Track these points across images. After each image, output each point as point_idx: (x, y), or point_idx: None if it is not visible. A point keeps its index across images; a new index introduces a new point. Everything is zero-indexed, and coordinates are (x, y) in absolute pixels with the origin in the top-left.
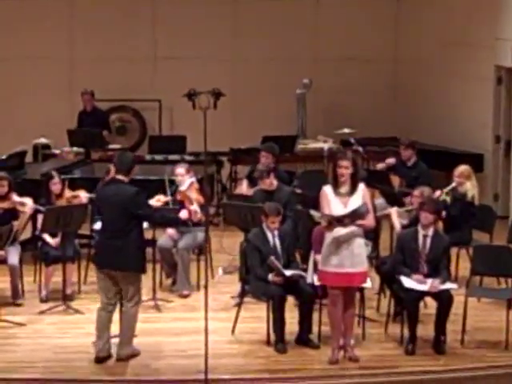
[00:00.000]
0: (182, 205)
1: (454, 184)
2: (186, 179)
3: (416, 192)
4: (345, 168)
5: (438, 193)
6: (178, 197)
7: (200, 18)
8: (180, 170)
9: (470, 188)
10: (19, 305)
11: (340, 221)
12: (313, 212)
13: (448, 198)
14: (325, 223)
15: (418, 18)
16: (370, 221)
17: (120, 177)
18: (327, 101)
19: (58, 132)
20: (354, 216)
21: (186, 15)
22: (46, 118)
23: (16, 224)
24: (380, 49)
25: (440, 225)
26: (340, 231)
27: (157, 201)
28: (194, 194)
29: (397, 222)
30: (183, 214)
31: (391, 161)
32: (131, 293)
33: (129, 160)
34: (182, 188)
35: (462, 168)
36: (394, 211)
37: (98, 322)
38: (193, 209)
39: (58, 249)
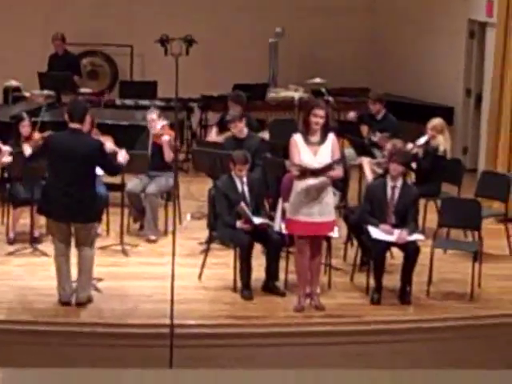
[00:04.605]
0: (157, 148)
1: (426, 137)
2: (157, 124)
3: (388, 145)
4: (320, 117)
5: (410, 145)
6: (152, 139)
7: None
8: (152, 115)
9: (442, 142)
10: None
11: (314, 173)
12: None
13: (420, 151)
14: (297, 172)
15: None
16: (338, 171)
17: (76, 125)
18: (301, 50)
19: (29, 74)
20: (328, 169)
21: None
22: (17, 60)
23: None
24: None
25: (412, 177)
26: (310, 181)
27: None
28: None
29: (369, 172)
30: (121, 158)
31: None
32: (88, 238)
33: (82, 107)
34: (155, 130)
35: (436, 121)
36: (366, 161)
37: (58, 270)
38: (165, 139)
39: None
